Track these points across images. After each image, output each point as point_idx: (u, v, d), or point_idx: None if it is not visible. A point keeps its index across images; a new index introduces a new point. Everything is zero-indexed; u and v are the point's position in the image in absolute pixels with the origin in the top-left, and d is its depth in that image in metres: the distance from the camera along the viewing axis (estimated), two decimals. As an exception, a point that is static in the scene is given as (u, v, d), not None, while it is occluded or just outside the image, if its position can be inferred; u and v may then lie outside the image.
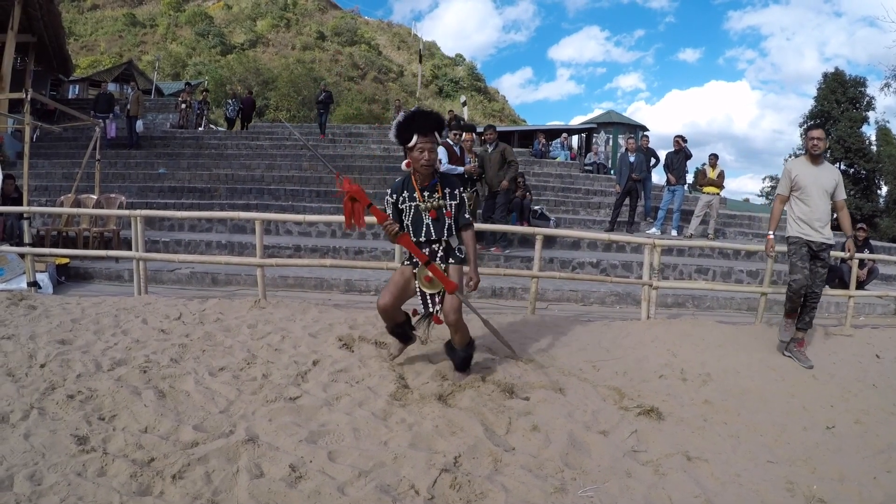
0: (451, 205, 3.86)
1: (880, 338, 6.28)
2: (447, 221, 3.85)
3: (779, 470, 3.14)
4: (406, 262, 4.00)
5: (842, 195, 5.20)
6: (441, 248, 3.89)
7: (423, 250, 3.85)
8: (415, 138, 3.71)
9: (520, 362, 4.47)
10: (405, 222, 3.87)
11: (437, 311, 3.93)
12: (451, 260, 3.92)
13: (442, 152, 8.02)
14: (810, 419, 3.90)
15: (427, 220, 3.82)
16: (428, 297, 3.92)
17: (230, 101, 22.53)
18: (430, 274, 3.81)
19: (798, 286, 5.13)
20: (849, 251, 5.44)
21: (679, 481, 2.89)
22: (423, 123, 3.74)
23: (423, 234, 3.84)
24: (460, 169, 8.33)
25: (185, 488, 2.49)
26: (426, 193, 3.83)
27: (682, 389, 4.25)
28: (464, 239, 3.95)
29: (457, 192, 3.89)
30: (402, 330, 4.19)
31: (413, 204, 3.84)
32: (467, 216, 3.92)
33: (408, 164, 3.84)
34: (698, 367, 4.72)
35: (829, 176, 5.11)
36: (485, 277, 7.53)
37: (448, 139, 8.44)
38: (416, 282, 3.91)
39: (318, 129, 19.56)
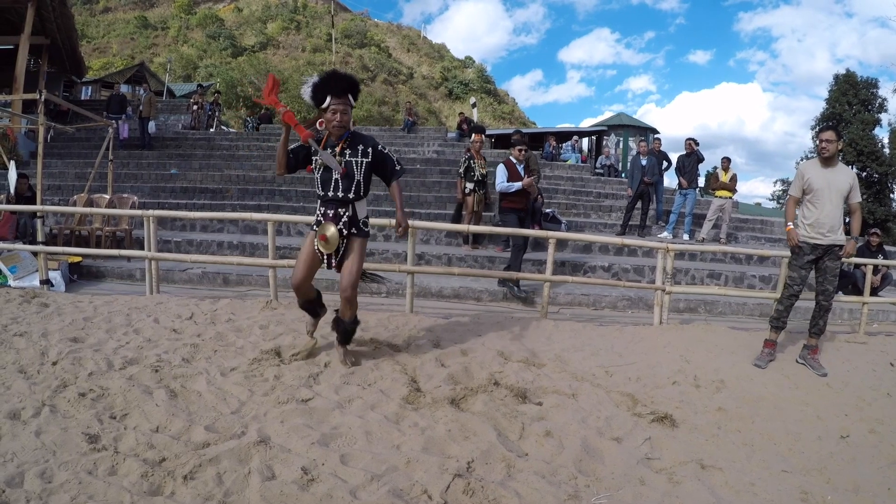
0: (362, 162, 3.88)
1: (895, 345, 6.20)
2: (356, 178, 3.87)
3: (793, 479, 3.10)
4: (313, 228, 4.06)
5: (857, 198, 5.07)
6: (347, 213, 3.91)
7: (328, 211, 3.91)
8: (328, 99, 3.74)
9: (532, 367, 4.44)
10: (316, 176, 3.94)
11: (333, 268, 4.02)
12: (353, 230, 3.96)
13: (501, 171, 7.48)
14: (825, 428, 3.86)
15: (336, 175, 3.85)
16: (325, 258, 3.98)
17: (248, 119, 24.45)
18: (325, 233, 3.85)
19: (792, 283, 5.17)
20: (846, 253, 5.11)
21: (693, 490, 2.85)
22: (336, 85, 3.75)
23: (331, 190, 3.87)
24: (517, 185, 7.37)
25: (196, 489, 2.48)
26: (337, 149, 3.88)
27: (696, 396, 4.20)
28: (391, 191, 4.03)
29: (370, 149, 3.92)
30: (312, 306, 4.31)
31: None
32: (396, 168, 3.98)
33: (320, 124, 3.90)
34: (711, 374, 4.67)
35: (842, 178, 4.99)
36: (496, 281, 7.52)
37: (511, 156, 7.68)
38: (316, 243, 3.96)
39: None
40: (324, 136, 3.93)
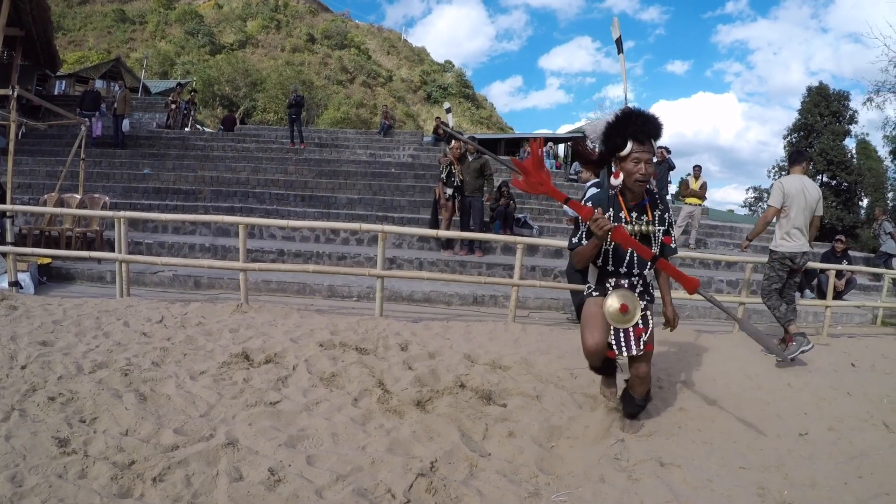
0: (659, 231, 3.28)
1: (856, 347, 6.40)
2: (653, 251, 3.24)
3: (751, 475, 3.16)
4: (595, 293, 3.44)
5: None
6: (641, 284, 3.34)
7: (622, 281, 3.31)
8: (629, 145, 3.06)
9: (498, 369, 4.53)
10: (604, 248, 3.28)
11: (637, 351, 3.32)
12: (647, 299, 3.40)
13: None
14: (784, 426, 3.92)
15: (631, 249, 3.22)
16: (621, 334, 3.31)
17: (220, 127, 24.89)
18: (626, 303, 3.23)
19: None
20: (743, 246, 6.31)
21: (651, 486, 2.93)
22: (643, 128, 3.08)
23: (624, 265, 3.28)
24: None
25: (165, 491, 2.52)
26: (634, 214, 3.22)
27: (659, 397, 4.28)
28: (659, 266, 3.32)
29: (666, 216, 3.30)
30: (608, 364, 3.66)
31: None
32: (675, 245, 3.40)
33: (616, 175, 3.17)
34: (676, 376, 4.78)
35: None
36: (466, 285, 7.62)
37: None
38: (607, 313, 3.27)
39: (290, 137, 17.97)
40: (614, 193, 3.25)
